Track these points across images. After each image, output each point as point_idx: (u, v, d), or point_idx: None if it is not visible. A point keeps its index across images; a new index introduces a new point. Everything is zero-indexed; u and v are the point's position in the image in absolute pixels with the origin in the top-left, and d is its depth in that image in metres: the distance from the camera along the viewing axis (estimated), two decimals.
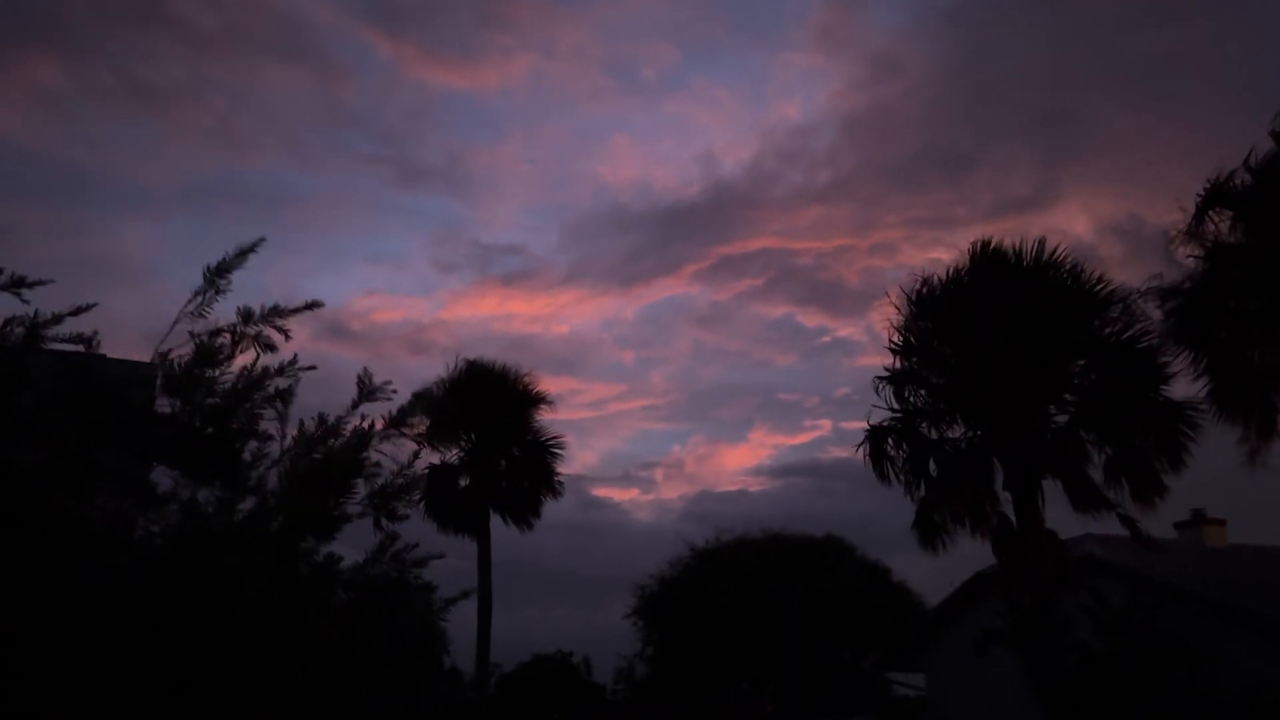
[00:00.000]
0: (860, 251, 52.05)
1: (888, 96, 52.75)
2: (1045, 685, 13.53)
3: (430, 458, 21.06)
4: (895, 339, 13.78)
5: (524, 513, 20.92)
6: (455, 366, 21.12)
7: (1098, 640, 14.16)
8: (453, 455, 21.33)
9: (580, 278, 59.12)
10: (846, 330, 55.94)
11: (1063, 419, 13.31)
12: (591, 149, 61.33)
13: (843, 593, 24.07)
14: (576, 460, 59.59)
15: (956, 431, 13.77)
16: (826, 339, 57.73)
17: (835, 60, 55.45)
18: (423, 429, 5.50)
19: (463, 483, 20.98)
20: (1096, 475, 12.84)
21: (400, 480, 5.14)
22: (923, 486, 13.40)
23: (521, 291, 55.06)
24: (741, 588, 23.72)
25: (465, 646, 20.10)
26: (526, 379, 21.35)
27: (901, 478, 13.50)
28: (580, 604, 45.40)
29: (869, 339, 57.68)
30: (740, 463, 59.07)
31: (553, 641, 31.44)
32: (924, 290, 13.67)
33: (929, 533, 13.31)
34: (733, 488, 53.85)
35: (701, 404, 61.32)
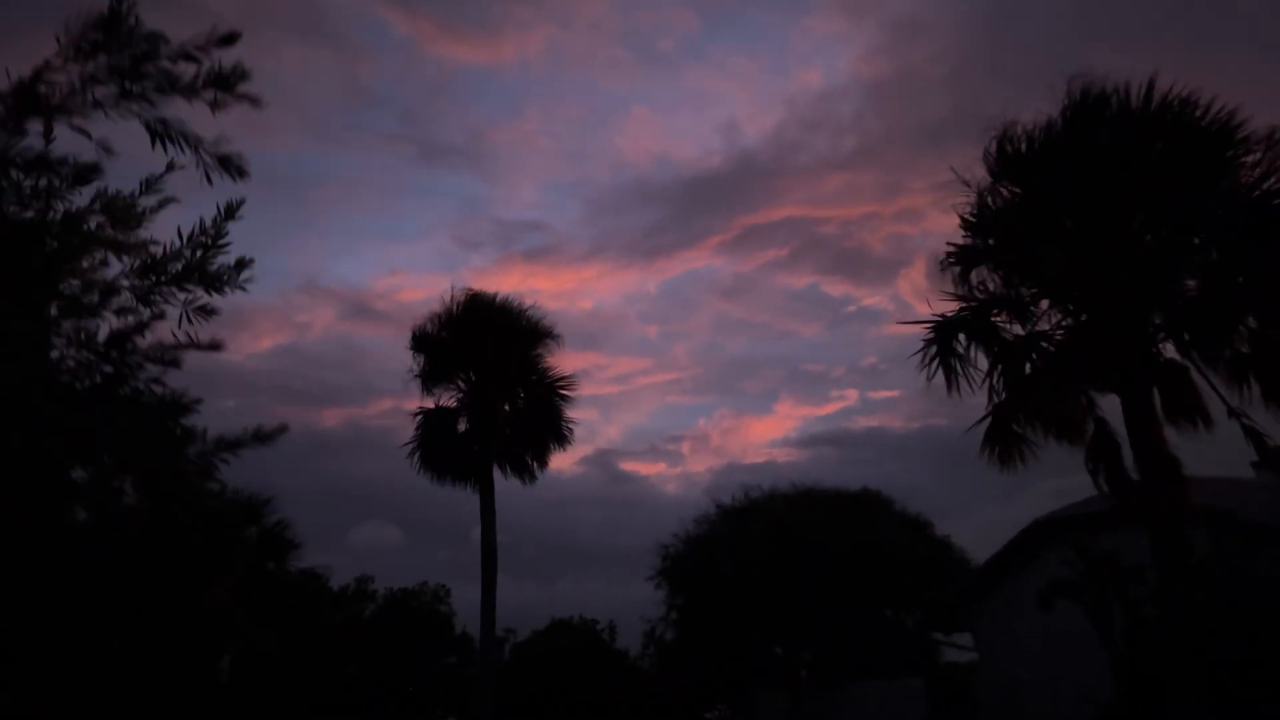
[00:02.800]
0: (885, 218, 52.94)
1: (912, 60, 52.73)
2: (1118, 643, 12.09)
3: (424, 401, 19.93)
4: (969, 210, 11.57)
5: (528, 462, 19.54)
6: (452, 299, 19.90)
7: (1178, 590, 13.03)
8: (450, 398, 20.03)
9: (602, 252, 60.81)
10: (872, 299, 57.24)
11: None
12: (611, 122, 63.14)
13: (882, 546, 22.48)
14: (602, 435, 59.63)
15: (1042, 323, 11.85)
16: (852, 308, 58.78)
17: (857, 25, 55.42)
18: None
19: (461, 427, 19.65)
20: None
21: None
22: (1002, 390, 11.45)
23: (544, 267, 55.70)
24: (773, 543, 22.23)
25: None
26: (532, 313, 20.07)
27: (974, 380, 11.53)
28: (611, 576, 45.62)
29: (895, 307, 56.85)
30: (767, 435, 60.09)
31: (577, 610, 30.95)
32: (1006, 146, 11.38)
33: (1007, 445, 11.41)
34: (759, 460, 54.58)
35: (726, 376, 62.67)
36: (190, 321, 5.10)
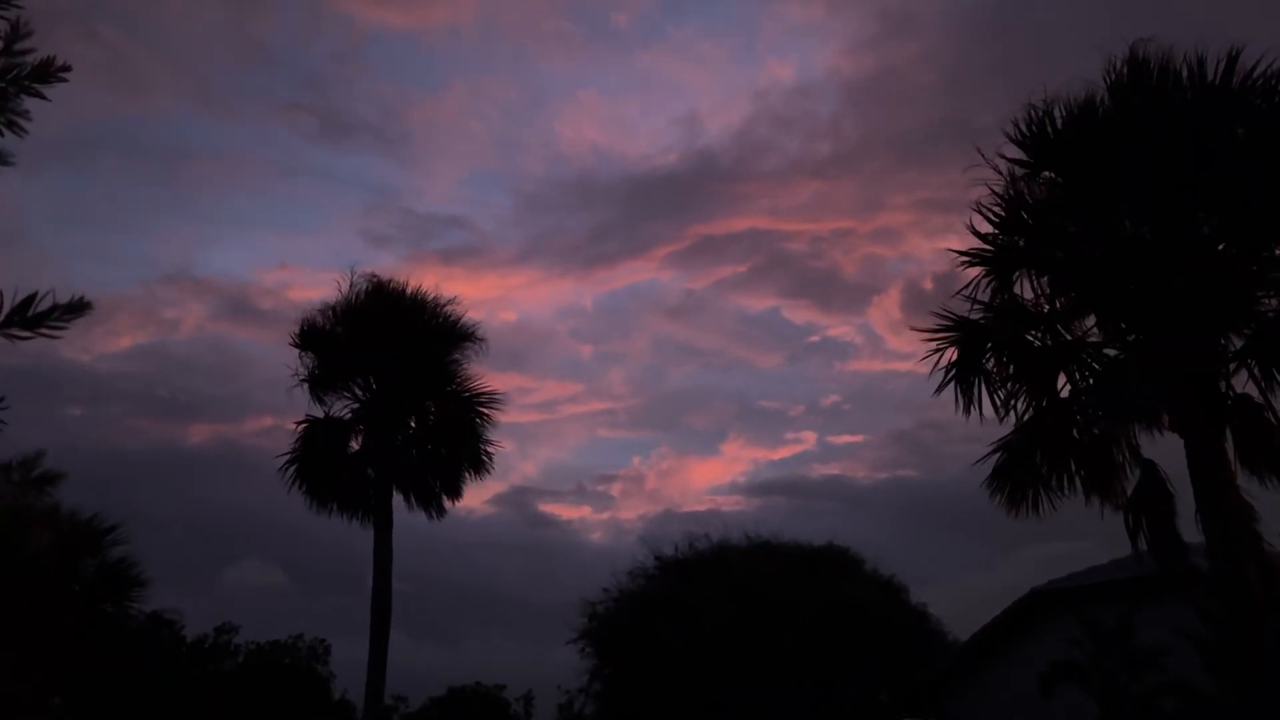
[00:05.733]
0: (861, 237, 52.42)
1: (900, 58, 52.39)
2: None
3: (312, 410, 18.87)
4: (996, 205, 10.97)
5: (436, 492, 18.71)
6: (352, 287, 18.97)
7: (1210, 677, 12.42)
8: (343, 408, 19.08)
9: (533, 257, 59.30)
10: (839, 329, 57.05)
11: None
12: (551, 106, 61.97)
13: (859, 609, 21.92)
14: (520, 470, 58.61)
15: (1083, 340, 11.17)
16: (815, 338, 58.50)
17: (838, 14, 55.16)
18: None
19: (354, 446, 18.83)
20: None
21: None
22: (1029, 412, 10.94)
23: (464, 270, 53.83)
24: (730, 602, 21.51)
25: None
26: (451, 310, 19.27)
27: (996, 402, 10.90)
28: (527, 636, 44.21)
29: (865, 340, 56.78)
30: (711, 478, 58.95)
31: (485, 676, 29.73)
32: (1046, 126, 10.81)
33: (1021, 484, 10.94)
34: (701, 507, 53.26)
35: (668, 409, 61.37)
36: None
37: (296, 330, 19.00)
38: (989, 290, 11.27)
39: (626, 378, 60.37)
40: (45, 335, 4.99)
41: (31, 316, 4.94)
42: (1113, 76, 10.70)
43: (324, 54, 56.83)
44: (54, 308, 5.03)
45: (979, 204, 11.21)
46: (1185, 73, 10.42)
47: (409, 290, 19.32)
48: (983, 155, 11.20)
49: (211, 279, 58.15)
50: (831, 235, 53.20)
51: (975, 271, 11.30)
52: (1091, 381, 11.03)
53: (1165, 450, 10.80)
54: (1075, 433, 11.06)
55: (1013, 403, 11.17)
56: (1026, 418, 11.13)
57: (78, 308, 5.08)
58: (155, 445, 47.51)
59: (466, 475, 19.01)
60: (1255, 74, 10.15)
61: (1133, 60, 10.60)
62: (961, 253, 11.30)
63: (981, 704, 19.04)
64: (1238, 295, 10.43)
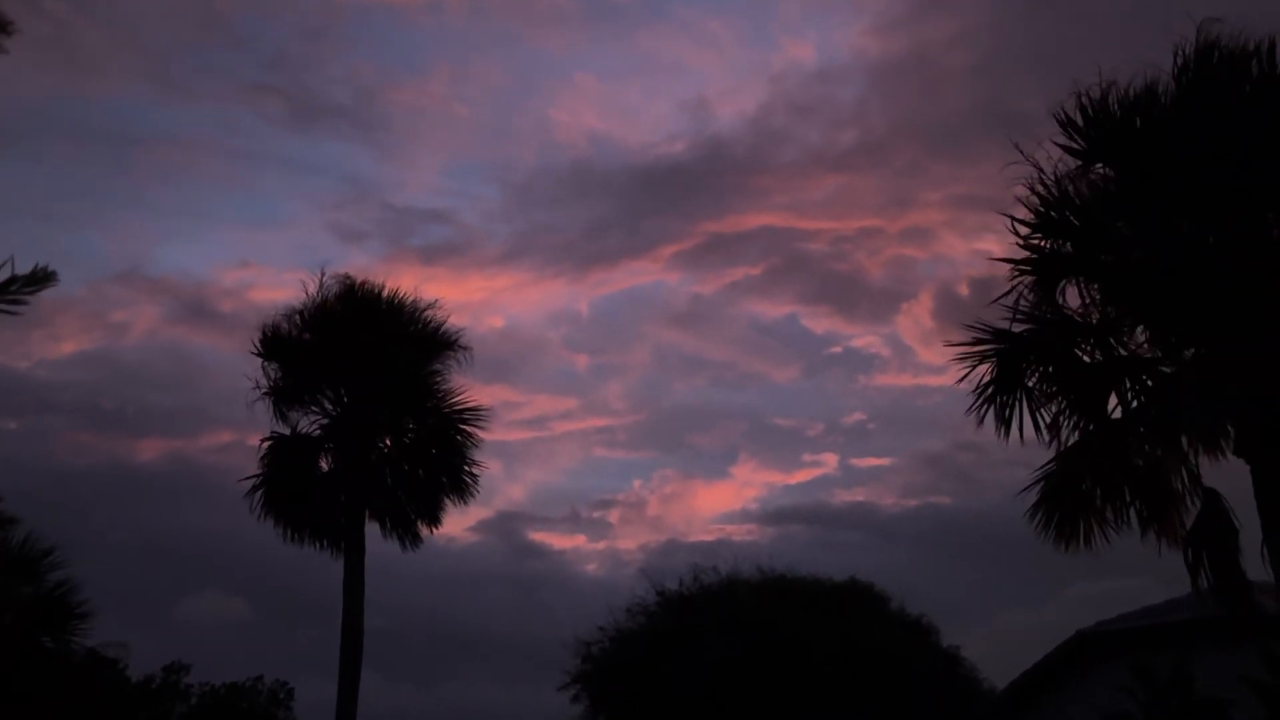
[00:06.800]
0: (889, 236, 50.69)
1: (933, 38, 51.01)
2: None
3: (276, 426, 18.89)
4: (1040, 202, 11.01)
5: (414, 518, 18.81)
6: (321, 289, 19.04)
7: None
8: (311, 425, 19.10)
9: (523, 256, 58.42)
10: (865, 339, 55.29)
11: None
12: (544, 90, 61.23)
13: (882, 654, 22.07)
14: (507, 494, 58.59)
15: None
16: (837, 349, 55.55)
17: None
18: None
19: (324, 466, 18.89)
20: None
21: None
22: (1076, 435, 10.94)
23: (447, 270, 52.36)
24: (738, 642, 21.62)
25: None
26: (431, 313, 19.35)
27: (1039, 423, 10.94)
28: (513, 679, 44.07)
29: (893, 351, 55.07)
30: (720, 505, 58.61)
31: None
32: (1097, 116, 10.79)
33: (1071, 514, 10.96)
34: (709, 537, 51.50)
35: (673, 427, 59.35)
36: None
37: (259, 337, 19.03)
38: (1031, 298, 11.27)
39: (626, 392, 58.28)
40: (3, 310, 4.93)
41: None
42: (1177, 61, 10.65)
43: (294, 30, 56.25)
44: (13, 279, 4.95)
45: (1021, 201, 11.20)
46: (1258, 58, 10.40)
47: (385, 292, 19.37)
48: (1023, 149, 11.15)
49: (166, 278, 56.44)
50: (856, 234, 51.32)
51: (1018, 278, 11.28)
52: (1146, 401, 10.97)
53: (1230, 478, 10.75)
54: (1128, 458, 11.01)
55: (1058, 424, 11.16)
56: (1073, 441, 11.10)
57: (40, 279, 5.02)
58: (101, 462, 47.00)
59: (447, 500, 19.07)
60: None
61: (1199, 43, 10.52)
62: (1001, 258, 11.28)
63: None
64: None
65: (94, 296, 51.10)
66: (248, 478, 18.37)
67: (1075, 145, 11.06)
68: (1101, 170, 11.14)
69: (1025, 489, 11.23)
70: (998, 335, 11.15)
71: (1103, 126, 10.90)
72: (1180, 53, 10.57)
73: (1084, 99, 10.92)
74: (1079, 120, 10.95)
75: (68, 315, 46.65)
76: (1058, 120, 10.99)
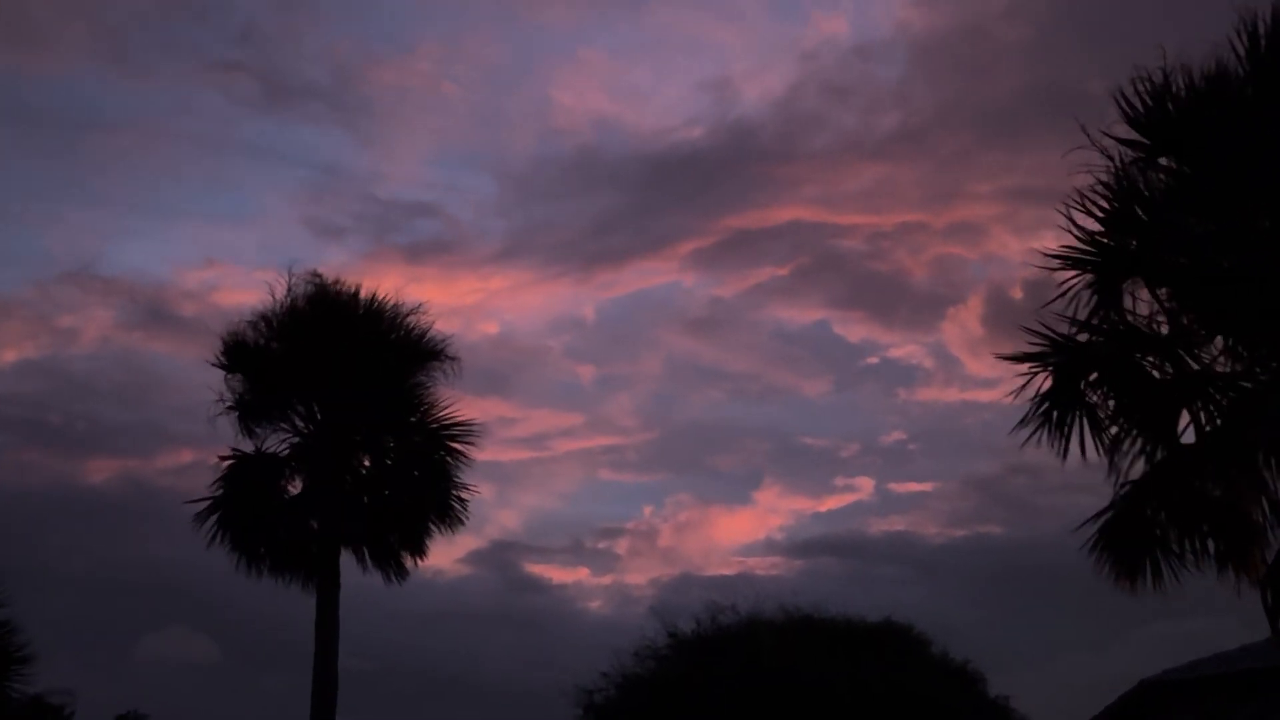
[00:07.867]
0: (933, 233, 50.38)
1: (984, 11, 50.97)
2: None
3: (240, 443, 19.04)
4: (1103, 196, 11.02)
5: (396, 548, 19.03)
6: (290, 292, 19.17)
7: None
8: (279, 442, 19.30)
9: (521, 254, 57.49)
10: (904, 348, 53.30)
11: None
12: (545, 68, 60.60)
13: (919, 702, 22.04)
14: (501, 522, 58.77)
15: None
16: (874, 359, 54.41)
17: None
18: None
19: (293, 489, 19.06)
20: None
21: None
22: (1143, 458, 10.98)
23: (436, 270, 52.15)
24: (757, 688, 21.63)
25: None
26: (415, 318, 19.50)
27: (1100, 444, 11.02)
28: None
29: (937, 362, 54.09)
30: (741, 534, 58.12)
31: None
32: (1164, 101, 10.86)
33: (1136, 549, 11.03)
34: (729, 570, 51.15)
35: (688, 447, 57.64)
36: None
37: (221, 346, 19.16)
38: (1092, 303, 11.33)
39: (636, 407, 57.46)
40: None
41: None
42: (1258, 40, 10.70)
43: (264, 1, 55.57)
44: None
45: (1081, 194, 11.23)
46: None
47: (362, 295, 19.54)
48: (1087, 134, 11.18)
49: (121, 278, 55.26)
50: (896, 231, 50.79)
51: (1075, 279, 11.35)
52: (1222, 421, 10.94)
53: None
54: (1202, 486, 11.05)
55: (1120, 446, 11.22)
56: (1140, 465, 11.12)
57: None
58: (46, 483, 47.05)
59: (433, 527, 19.24)
60: None
61: (1277, 20, 10.55)
62: (1056, 253, 11.35)
63: None
64: None
65: (40, 299, 51.20)
66: (199, 499, 18.54)
67: (1139, 135, 11.15)
68: (1165, 163, 11.27)
69: (1086, 522, 11.26)
70: (1056, 343, 11.24)
71: (1167, 115, 11.00)
72: (1243, 29, 10.65)
73: (1145, 84, 11.02)
74: (1141, 107, 11.06)
75: (10, 320, 47.01)
76: (1118, 107, 11.07)
